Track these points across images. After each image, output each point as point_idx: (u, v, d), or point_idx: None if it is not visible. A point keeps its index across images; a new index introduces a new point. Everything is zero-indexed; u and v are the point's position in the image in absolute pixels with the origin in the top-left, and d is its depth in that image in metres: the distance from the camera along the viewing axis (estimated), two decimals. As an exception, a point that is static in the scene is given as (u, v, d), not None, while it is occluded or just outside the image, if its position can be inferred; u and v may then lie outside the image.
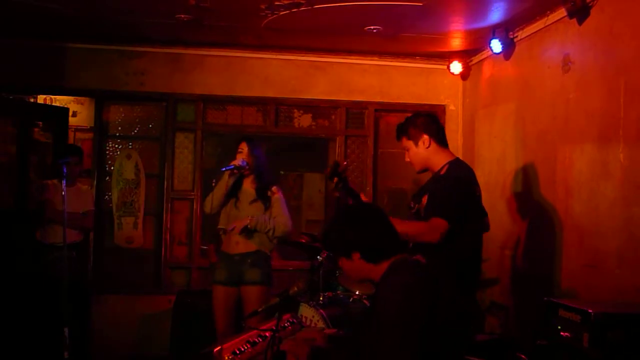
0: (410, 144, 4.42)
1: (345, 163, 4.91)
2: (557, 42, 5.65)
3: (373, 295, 5.20)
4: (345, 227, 3.11)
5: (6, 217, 6.65)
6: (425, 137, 4.36)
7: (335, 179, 4.50)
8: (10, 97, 7.38)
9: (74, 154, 6.46)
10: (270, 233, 5.54)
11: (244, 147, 5.64)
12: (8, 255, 6.49)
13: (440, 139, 4.41)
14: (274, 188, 5.70)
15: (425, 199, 4.30)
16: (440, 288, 2.92)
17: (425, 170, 4.48)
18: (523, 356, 4.33)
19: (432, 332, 2.76)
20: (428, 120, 4.44)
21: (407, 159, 4.51)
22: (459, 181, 4.24)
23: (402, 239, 3.25)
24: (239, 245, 5.56)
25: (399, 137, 4.51)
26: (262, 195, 5.65)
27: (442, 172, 4.33)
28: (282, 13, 5.95)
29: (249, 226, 5.48)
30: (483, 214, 4.45)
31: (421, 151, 4.39)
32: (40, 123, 7.46)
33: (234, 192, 5.67)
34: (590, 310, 3.84)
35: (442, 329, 2.80)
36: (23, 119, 7.06)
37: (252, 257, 5.55)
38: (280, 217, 5.62)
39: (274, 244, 5.69)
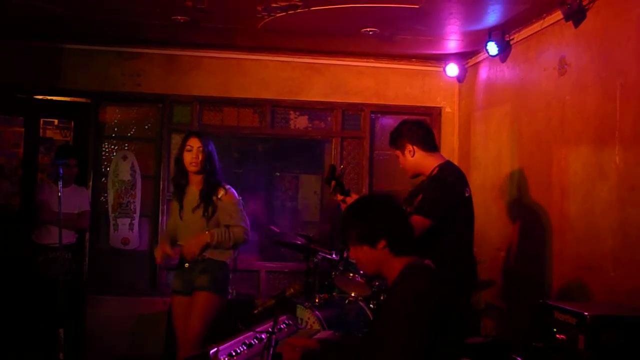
0: (398, 153, 4.65)
1: (342, 167, 4.89)
2: (553, 44, 5.66)
3: (370, 297, 5.23)
4: (376, 214, 3.10)
5: (10, 218, 6.70)
6: (409, 146, 4.56)
7: (333, 182, 4.63)
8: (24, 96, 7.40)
9: (72, 155, 6.46)
10: (231, 246, 5.01)
11: (193, 144, 5.00)
12: (7, 256, 6.52)
13: (427, 145, 4.58)
14: (220, 190, 5.01)
15: (417, 201, 4.43)
16: (447, 293, 2.93)
17: (418, 175, 4.68)
18: (518, 358, 4.33)
19: (435, 335, 2.77)
20: (413, 129, 4.61)
21: (401, 166, 4.71)
22: (443, 181, 4.44)
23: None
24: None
25: (389, 145, 4.75)
26: (206, 200, 4.99)
27: (432, 175, 4.51)
28: (278, 15, 5.95)
29: (209, 244, 4.95)
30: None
31: (408, 159, 4.60)
32: (56, 121, 7.47)
33: (178, 199, 5.13)
34: (585, 313, 3.86)
35: (443, 332, 2.80)
36: (29, 118, 7.12)
37: (201, 264, 4.98)
38: (236, 227, 4.97)
39: (229, 253, 5.09)
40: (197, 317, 4.88)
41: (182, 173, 5.09)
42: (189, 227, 5.04)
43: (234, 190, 5.09)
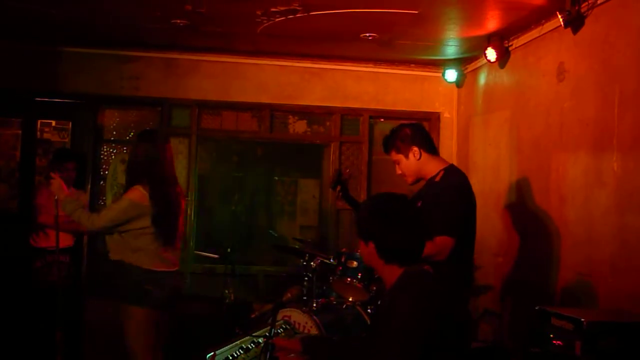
0: (400, 157, 4.36)
1: (348, 170, 4.66)
2: (552, 50, 5.66)
3: (367, 302, 5.23)
4: (373, 214, 2.99)
5: (8, 221, 6.70)
6: (415, 148, 4.30)
7: (339, 187, 4.54)
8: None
9: (71, 159, 6.45)
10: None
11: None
12: (5, 257, 6.52)
13: (429, 147, 4.35)
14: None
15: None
16: (445, 299, 2.90)
17: (418, 180, 4.42)
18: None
19: (433, 342, 2.76)
20: (414, 131, 4.37)
21: (399, 172, 4.43)
22: (461, 192, 4.21)
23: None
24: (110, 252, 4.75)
25: (387, 151, 4.44)
26: None
27: (437, 179, 4.27)
28: (277, 19, 5.96)
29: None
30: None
31: (412, 163, 4.33)
32: (54, 122, 7.46)
33: None
34: (582, 319, 3.85)
35: (441, 339, 2.79)
36: (27, 120, 7.11)
37: (114, 268, 4.68)
38: (94, 212, 4.75)
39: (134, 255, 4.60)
40: None
41: None
42: None
43: (138, 193, 4.53)
